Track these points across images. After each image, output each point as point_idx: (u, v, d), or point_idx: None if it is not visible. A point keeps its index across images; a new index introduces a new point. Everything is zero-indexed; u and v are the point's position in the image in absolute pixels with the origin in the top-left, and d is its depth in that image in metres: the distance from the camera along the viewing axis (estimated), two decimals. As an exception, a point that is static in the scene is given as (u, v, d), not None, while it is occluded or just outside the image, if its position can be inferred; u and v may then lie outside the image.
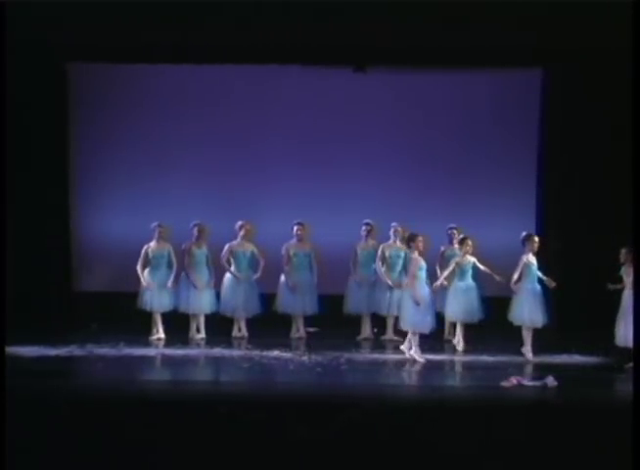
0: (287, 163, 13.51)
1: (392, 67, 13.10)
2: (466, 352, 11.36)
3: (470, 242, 11.56)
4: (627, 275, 10.49)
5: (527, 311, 10.88)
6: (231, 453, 7.85)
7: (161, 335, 12.08)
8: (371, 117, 13.40)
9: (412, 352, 10.73)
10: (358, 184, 13.35)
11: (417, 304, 10.54)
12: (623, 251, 10.56)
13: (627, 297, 10.45)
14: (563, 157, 13.19)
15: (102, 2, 11.34)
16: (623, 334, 10.37)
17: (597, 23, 11.33)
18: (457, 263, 11.46)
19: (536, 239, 11.02)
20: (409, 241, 10.78)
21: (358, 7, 11.32)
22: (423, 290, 10.67)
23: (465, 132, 13.47)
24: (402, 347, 10.90)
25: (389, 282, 12.01)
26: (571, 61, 12.72)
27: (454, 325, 11.79)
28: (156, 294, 12.10)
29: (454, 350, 11.50)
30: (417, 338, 10.73)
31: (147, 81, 13.44)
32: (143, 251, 12.11)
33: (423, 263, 10.78)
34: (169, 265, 12.18)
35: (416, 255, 10.71)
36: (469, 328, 11.62)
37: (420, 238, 10.76)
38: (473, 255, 11.60)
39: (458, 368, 10.72)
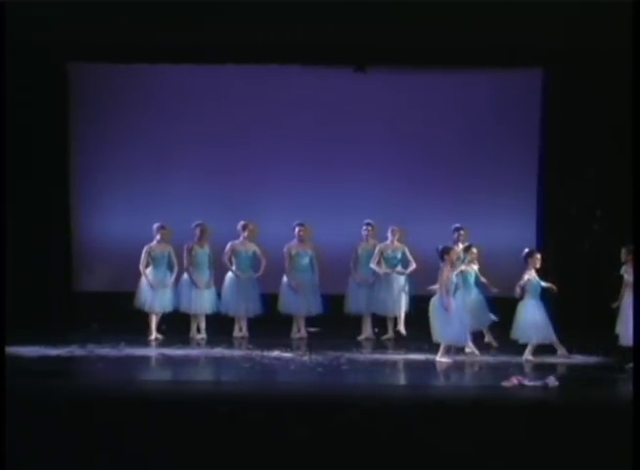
0: (287, 162, 13.50)
1: (392, 67, 13.09)
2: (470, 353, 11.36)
3: (474, 250, 11.56)
4: (628, 274, 10.47)
5: (534, 329, 10.83)
6: (231, 453, 7.86)
7: (157, 335, 12.08)
8: (371, 116, 13.39)
9: (438, 357, 10.73)
10: (359, 184, 13.33)
11: (446, 309, 10.52)
12: (624, 250, 10.54)
13: (628, 296, 10.44)
14: (563, 156, 13.19)
15: (102, 2, 11.33)
16: (626, 333, 10.34)
17: (597, 23, 11.33)
18: (461, 271, 11.37)
19: (538, 256, 10.94)
20: (443, 253, 10.70)
21: (358, 7, 11.30)
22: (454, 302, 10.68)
23: (466, 132, 13.46)
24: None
25: (389, 271, 12.01)
26: (572, 61, 12.72)
27: None
28: (157, 294, 12.10)
29: (456, 350, 11.44)
30: (446, 349, 10.71)
31: (147, 81, 13.43)
32: (144, 251, 12.12)
33: (454, 278, 10.77)
34: (170, 266, 12.20)
35: (448, 268, 10.65)
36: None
37: (454, 251, 10.81)
38: (477, 260, 11.60)
39: (459, 368, 10.68)
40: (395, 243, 12.17)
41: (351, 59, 12.92)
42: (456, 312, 10.61)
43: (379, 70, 13.15)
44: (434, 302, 10.73)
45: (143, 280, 12.13)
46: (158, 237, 12.17)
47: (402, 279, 12.16)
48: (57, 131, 13.28)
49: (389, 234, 12.18)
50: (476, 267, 11.60)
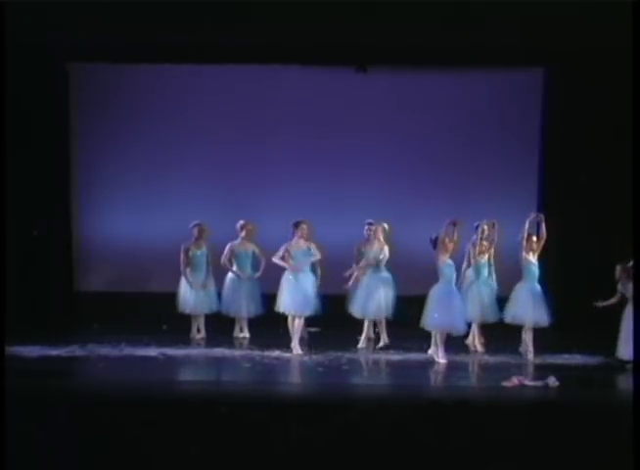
0: (287, 162, 13.50)
1: (393, 66, 13.10)
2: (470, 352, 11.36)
3: (485, 244, 11.58)
4: (627, 290, 10.38)
5: (530, 312, 10.84)
6: (231, 453, 7.87)
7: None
8: (372, 116, 13.39)
9: (430, 351, 10.73)
10: (359, 184, 13.34)
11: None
12: (618, 267, 10.43)
13: (628, 312, 10.32)
14: (563, 156, 13.20)
15: (102, 2, 11.34)
16: (625, 349, 10.24)
17: (597, 23, 11.33)
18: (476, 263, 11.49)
19: (534, 239, 11.03)
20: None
21: (358, 7, 11.31)
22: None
23: (466, 132, 13.46)
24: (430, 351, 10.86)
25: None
26: (572, 61, 12.73)
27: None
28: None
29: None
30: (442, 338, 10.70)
31: (147, 81, 13.44)
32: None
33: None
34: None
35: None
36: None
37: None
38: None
39: (459, 368, 10.68)
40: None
41: (352, 59, 12.94)
42: (454, 301, 10.61)
43: (379, 70, 13.17)
44: (434, 289, 10.73)
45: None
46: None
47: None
48: (57, 131, 13.28)
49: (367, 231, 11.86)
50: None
